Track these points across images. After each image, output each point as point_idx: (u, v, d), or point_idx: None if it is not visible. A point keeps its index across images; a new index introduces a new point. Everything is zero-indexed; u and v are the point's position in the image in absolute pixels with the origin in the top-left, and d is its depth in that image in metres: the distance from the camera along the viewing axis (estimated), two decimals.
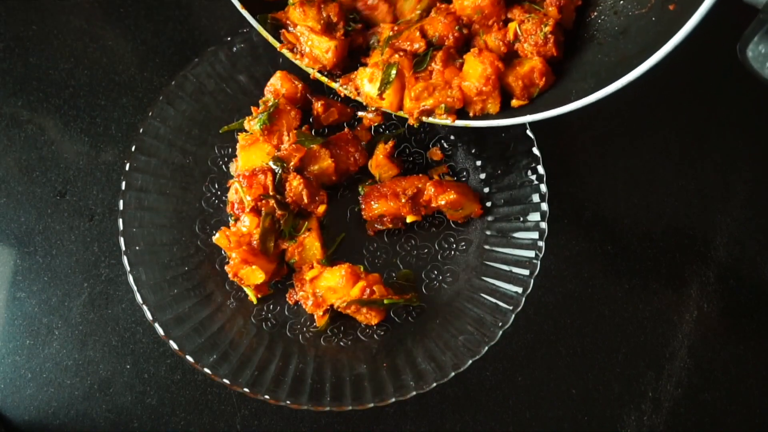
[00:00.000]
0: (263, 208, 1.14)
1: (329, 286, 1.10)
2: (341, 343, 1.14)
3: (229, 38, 1.26)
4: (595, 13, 1.06)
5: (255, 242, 1.13)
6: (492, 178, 1.22)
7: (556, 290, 1.23)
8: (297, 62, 1.13)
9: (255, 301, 1.15)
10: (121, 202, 1.16)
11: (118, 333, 1.20)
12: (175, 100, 1.24)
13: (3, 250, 1.25)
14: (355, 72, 1.10)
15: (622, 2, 1.02)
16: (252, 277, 1.11)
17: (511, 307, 1.10)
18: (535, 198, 1.17)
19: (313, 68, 1.12)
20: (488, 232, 1.19)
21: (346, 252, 1.20)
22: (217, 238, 1.15)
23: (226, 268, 1.13)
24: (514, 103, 1.03)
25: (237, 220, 1.17)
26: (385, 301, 1.09)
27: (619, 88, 0.89)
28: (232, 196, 1.18)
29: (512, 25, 1.04)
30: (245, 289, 1.15)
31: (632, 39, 0.97)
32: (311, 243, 1.16)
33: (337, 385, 1.07)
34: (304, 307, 1.14)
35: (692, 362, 1.19)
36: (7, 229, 1.27)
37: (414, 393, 1.04)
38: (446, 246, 1.20)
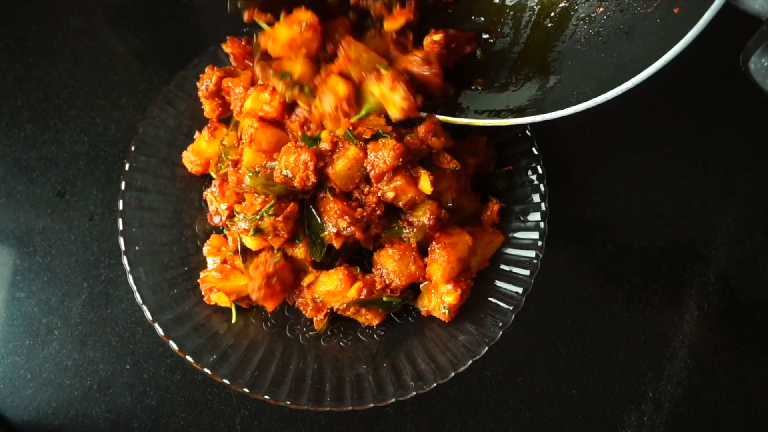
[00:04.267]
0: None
1: (328, 291, 1.10)
2: (341, 344, 1.13)
3: (228, 38, 1.25)
4: (601, 9, 1.05)
5: (230, 258, 1.13)
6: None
7: (556, 290, 1.23)
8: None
9: (233, 319, 1.14)
10: (121, 202, 1.16)
11: (117, 333, 1.20)
12: (175, 100, 1.24)
13: (3, 250, 1.25)
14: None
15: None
16: (221, 301, 1.12)
17: (511, 307, 1.10)
18: (535, 198, 1.17)
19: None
20: None
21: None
22: (208, 251, 1.16)
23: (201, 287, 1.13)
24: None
25: (225, 228, 1.16)
26: (384, 299, 1.09)
27: (620, 93, 0.89)
28: (210, 206, 1.17)
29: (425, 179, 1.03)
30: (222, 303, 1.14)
31: (636, 41, 0.96)
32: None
33: (337, 385, 1.07)
34: (303, 313, 1.14)
35: (692, 362, 1.19)
36: (7, 229, 1.27)
37: (414, 393, 1.04)
38: None
